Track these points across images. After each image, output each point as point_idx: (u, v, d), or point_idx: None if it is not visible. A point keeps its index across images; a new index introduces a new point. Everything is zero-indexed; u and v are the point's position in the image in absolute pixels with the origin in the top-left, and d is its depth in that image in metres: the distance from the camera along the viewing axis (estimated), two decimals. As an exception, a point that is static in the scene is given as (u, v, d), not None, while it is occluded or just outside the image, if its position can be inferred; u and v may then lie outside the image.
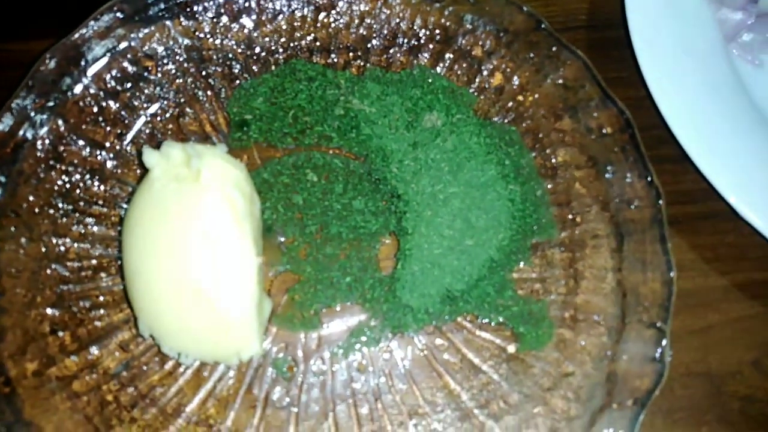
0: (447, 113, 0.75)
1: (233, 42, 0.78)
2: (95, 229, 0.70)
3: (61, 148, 0.71)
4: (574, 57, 0.74)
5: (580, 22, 0.87)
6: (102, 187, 0.72)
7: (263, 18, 0.78)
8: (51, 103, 0.71)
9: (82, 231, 0.70)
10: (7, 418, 0.59)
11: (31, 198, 0.68)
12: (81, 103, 0.73)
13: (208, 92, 0.77)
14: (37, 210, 0.68)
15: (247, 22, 0.78)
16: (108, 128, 0.73)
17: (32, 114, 0.70)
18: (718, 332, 0.72)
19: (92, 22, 0.73)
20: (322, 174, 0.75)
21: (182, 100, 0.76)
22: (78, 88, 0.73)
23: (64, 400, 0.62)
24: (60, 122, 0.71)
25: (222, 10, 0.77)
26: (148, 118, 0.75)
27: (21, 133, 0.69)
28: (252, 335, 0.61)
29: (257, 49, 0.78)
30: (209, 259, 0.60)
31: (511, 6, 0.76)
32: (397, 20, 0.79)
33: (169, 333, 0.62)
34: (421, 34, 0.79)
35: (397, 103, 0.76)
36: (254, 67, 0.78)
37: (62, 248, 0.68)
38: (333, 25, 0.79)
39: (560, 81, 0.74)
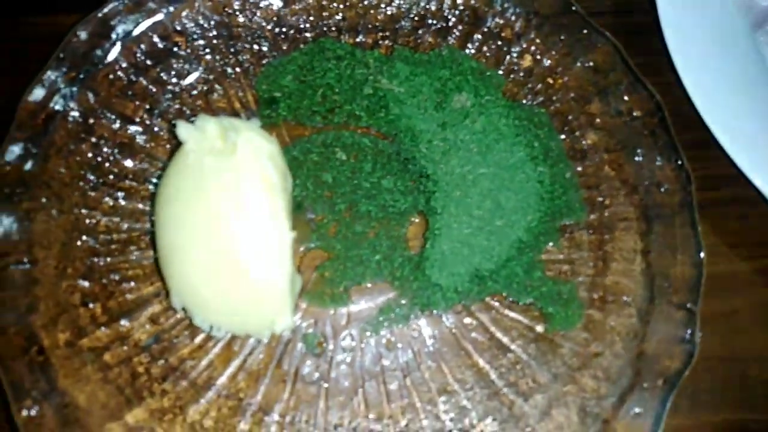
0: (476, 94, 0.75)
1: (262, 19, 0.78)
2: (125, 202, 0.70)
3: (92, 120, 0.71)
4: (604, 40, 0.74)
5: (609, 6, 0.87)
6: (132, 161, 0.72)
7: (293, -5, 0.78)
8: (81, 76, 0.71)
9: (112, 204, 0.70)
10: (42, 387, 0.59)
11: (62, 170, 0.68)
12: (111, 77, 0.72)
13: (237, 69, 0.77)
14: (67, 182, 0.68)
15: (276, -1, 0.78)
16: (137, 102, 0.73)
17: (62, 86, 0.70)
18: (742, 317, 0.73)
19: (123, -4, 0.73)
20: (351, 153, 0.75)
21: (211, 76, 0.76)
22: (108, 62, 0.73)
23: (96, 371, 0.62)
24: (90, 95, 0.71)
25: (252, -13, 0.77)
26: (178, 94, 0.75)
27: (52, 105, 0.69)
28: (285, 308, 0.61)
29: (286, 27, 0.78)
30: (245, 231, 0.60)
31: (542, -12, 0.77)
32: (426, 1, 0.79)
33: (203, 305, 0.62)
34: (450, 15, 0.79)
35: (425, 83, 0.76)
36: (283, 45, 0.78)
37: (92, 221, 0.68)
38: (362, 4, 0.79)
39: (590, 64, 0.75)
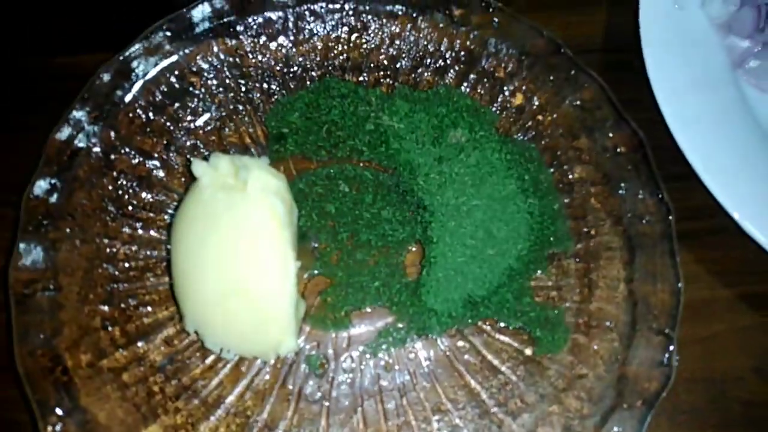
0: (471, 130, 0.80)
1: (272, 60, 0.83)
2: (142, 232, 0.76)
3: (113, 156, 0.76)
4: (591, 80, 0.79)
5: (596, 45, 0.92)
6: (149, 194, 0.77)
7: (300, 38, 0.84)
8: (104, 115, 0.77)
9: (131, 233, 0.75)
10: (66, 405, 0.64)
11: (84, 202, 0.74)
12: (131, 115, 0.78)
13: (248, 106, 0.82)
14: (90, 213, 0.74)
15: (285, 41, 0.84)
16: (155, 139, 0.79)
17: (86, 125, 0.76)
18: (722, 340, 0.77)
19: (143, 40, 0.79)
20: (354, 185, 0.80)
21: (224, 113, 0.82)
22: (128, 101, 0.78)
23: (114, 390, 0.67)
24: (112, 132, 0.77)
25: (262, 30, 0.83)
26: (193, 130, 0.80)
27: (76, 142, 0.75)
28: (289, 332, 0.66)
29: (294, 67, 0.84)
30: (253, 261, 0.65)
31: (533, 30, 0.81)
32: (425, 42, 0.84)
33: (214, 329, 0.67)
34: (447, 56, 0.84)
35: (424, 119, 0.81)
36: (291, 84, 0.83)
37: (113, 249, 0.74)
38: (365, 45, 0.84)
39: (578, 102, 0.79)
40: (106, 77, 0.77)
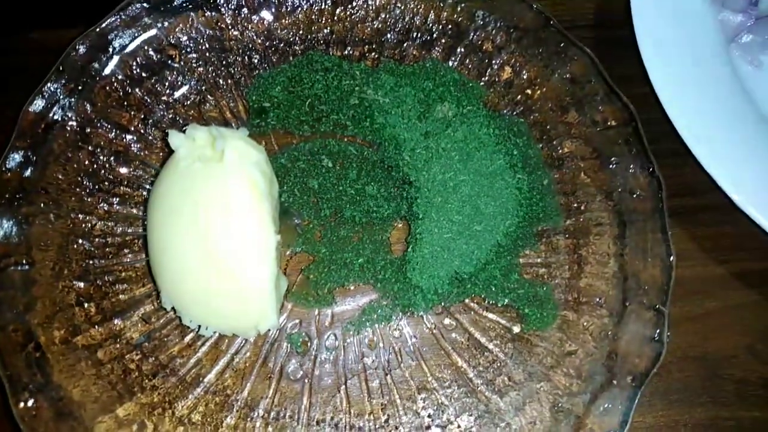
0: (458, 105, 0.78)
1: (253, 33, 0.81)
2: (119, 207, 0.74)
3: (89, 130, 0.74)
4: (581, 53, 0.77)
5: (587, 20, 0.90)
6: (126, 169, 0.75)
7: (282, 11, 0.81)
8: (80, 88, 0.74)
9: (107, 209, 0.73)
10: (38, 381, 0.62)
11: (59, 176, 0.72)
12: (108, 88, 0.76)
13: (229, 81, 0.80)
14: (65, 188, 0.72)
15: (267, 14, 0.81)
16: (133, 113, 0.76)
17: (62, 97, 0.73)
18: (715, 319, 0.75)
19: (120, 12, 0.77)
20: (337, 160, 0.78)
21: (204, 87, 0.80)
22: (105, 74, 0.76)
23: (89, 367, 0.65)
24: (88, 106, 0.74)
25: (243, 3, 0.81)
26: (171, 104, 0.78)
27: (51, 115, 0.73)
28: (269, 308, 0.64)
29: (276, 41, 0.81)
30: (231, 234, 0.63)
31: (522, 3, 0.79)
32: (411, 15, 0.82)
33: (191, 305, 0.65)
34: (434, 29, 0.82)
35: (410, 94, 0.79)
36: (273, 58, 0.81)
37: (88, 225, 0.72)
38: (349, 18, 0.82)
39: (567, 76, 0.77)
40: (82, 50, 0.75)
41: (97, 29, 0.76)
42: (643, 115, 0.74)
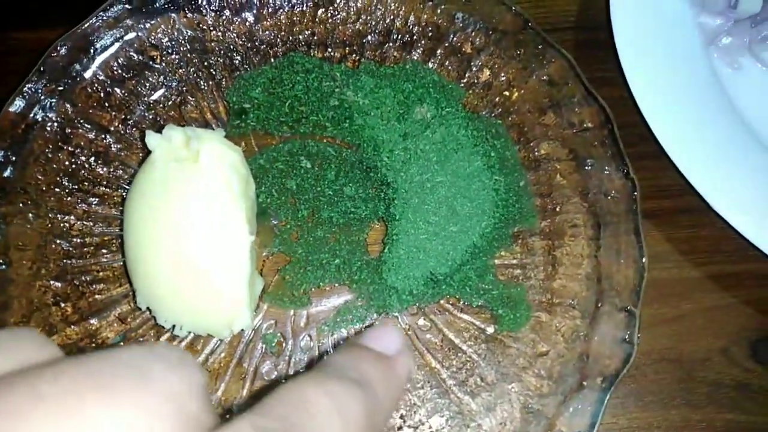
0: (437, 106, 0.79)
1: (235, 35, 0.82)
2: (98, 208, 0.74)
3: (69, 130, 0.75)
4: (559, 55, 0.77)
5: (568, 23, 0.91)
6: (106, 169, 0.76)
7: (264, 12, 0.82)
8: (61, 88, 0.75)
9: (86, 209, 0.74)
10: (11, 380, 0.63)
11: (39, 177, 0.72)
12: (89, 89, 0.76)
13: (210, 82, 0.81)
14: (44, 188, 0.72)
15: (249, 16, 0.82)
16: (113, 113, 0.77)
17: (42, 98, 0.74)
18: (689, 321, 0.75)
19: (102, 13, 0.77)
20: (316, 161, 0.79)
21: (184, 88, 0.80)
22: (87, 75, 0.77)
23: (64, 366, 0.66)
24: (68, 106, 0.75)
25: (225, 4, 0.81)
26: (152, 105, 0.79)
27: (32, 115, 0.73)
28: (243, 308, 0.65)
29: (257, 42, 0.82)
30: (205, 235, 0.63)
31: (501, 6, 0.80)
32: (392, 17, 0.82)
33: (165, 305, 0.65)
34: (414, 31, 0.82)
35: (389, 95, 0.79)
36: (254, 59, 0.82)
37: (67, 225, 0.72)
38: (330, 20, 0.83)
39: (545, 78, 0.78)
40: (63, 50, 0.75)
41: (79, 30, 0.77)
42: (621, 118, 0.75)
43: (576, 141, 0.76)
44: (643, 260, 0.68)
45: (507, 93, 0.80)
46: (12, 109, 0.73)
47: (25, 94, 0.73)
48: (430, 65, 0.82)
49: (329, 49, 0.83)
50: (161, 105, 0.79)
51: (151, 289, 0.65)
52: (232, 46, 0.81)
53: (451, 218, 0.73)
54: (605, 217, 0.72)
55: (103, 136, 0.76)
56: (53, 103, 0.74)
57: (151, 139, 0.67)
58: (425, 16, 0.82)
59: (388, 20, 0.82)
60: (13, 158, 0.71)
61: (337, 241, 0.75)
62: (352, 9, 0.83)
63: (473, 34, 0.81)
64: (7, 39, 0.87)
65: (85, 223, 0.73)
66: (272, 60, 0.82)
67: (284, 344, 0.71)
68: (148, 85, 0.79)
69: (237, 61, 0.81)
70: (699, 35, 0.84)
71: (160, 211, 0.65)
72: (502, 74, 0.80)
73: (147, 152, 0.69)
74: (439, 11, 0.82)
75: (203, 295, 0.64)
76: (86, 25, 0.77)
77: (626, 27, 0.81)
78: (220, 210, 0.64)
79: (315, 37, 0.83)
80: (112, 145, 0.76)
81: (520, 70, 0.79)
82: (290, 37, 0.83)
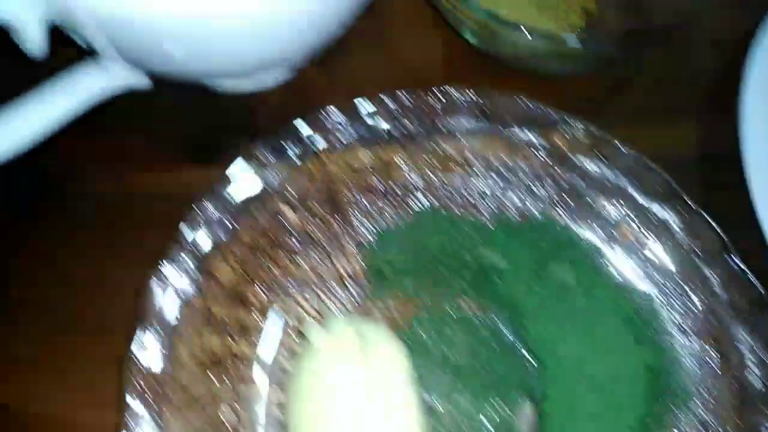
0: (576, 267, 0.78)
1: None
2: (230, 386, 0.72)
3: (214, 309, 0.72)
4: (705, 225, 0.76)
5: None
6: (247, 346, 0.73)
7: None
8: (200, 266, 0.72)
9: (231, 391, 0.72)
10: None
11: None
12: (231, 261, 0.74)
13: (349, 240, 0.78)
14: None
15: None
16: (256, 286, 0.75)
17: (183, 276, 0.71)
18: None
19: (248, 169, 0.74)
20: (465, 331, 0.77)
21: (319, 249, 0.78)
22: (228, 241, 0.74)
23: None
24: (212, 283, 0.72)
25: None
26: (289, 270, 0.76)
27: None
28: None
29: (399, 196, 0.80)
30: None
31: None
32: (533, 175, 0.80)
33: None
34: (547, 185, 0.81)
35: (525, 254, 0.78)
36: (393, 217, 0.80)
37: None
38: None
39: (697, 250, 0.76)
40: (195, 236, 0.72)
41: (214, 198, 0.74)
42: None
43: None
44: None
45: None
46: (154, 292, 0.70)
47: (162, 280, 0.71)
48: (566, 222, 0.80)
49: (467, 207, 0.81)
50: (295, 267, 0.77)
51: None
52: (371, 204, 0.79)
53: (603, 401, 0.72)
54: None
55: (248, 310, 0.74)
56: (197, 282, 0.72)
57: (313, 332, 0.65)
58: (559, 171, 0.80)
59: (529, 178, 0.81)
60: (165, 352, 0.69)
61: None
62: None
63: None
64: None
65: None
66: (410, 219, 0.80)
67: None
68: (286, 249, 0.77)
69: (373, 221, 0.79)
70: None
71: (326, 411, 0.64)
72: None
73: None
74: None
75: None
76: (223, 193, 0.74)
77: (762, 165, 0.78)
78: (387, 415, 0.63)
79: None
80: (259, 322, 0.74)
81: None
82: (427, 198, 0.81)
